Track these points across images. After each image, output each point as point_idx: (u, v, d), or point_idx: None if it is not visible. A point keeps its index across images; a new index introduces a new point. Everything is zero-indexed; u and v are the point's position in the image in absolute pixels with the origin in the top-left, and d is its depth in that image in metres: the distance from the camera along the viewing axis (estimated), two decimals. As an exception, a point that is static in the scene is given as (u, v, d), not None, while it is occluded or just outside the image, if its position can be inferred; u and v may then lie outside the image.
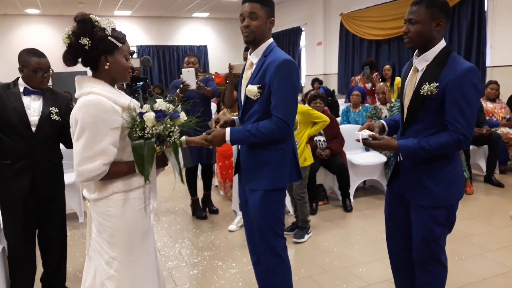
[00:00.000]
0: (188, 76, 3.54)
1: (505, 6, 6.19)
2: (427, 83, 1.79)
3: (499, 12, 6.30)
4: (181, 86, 3.57)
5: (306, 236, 3.48)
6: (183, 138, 1.91)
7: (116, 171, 1.63)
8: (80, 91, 1.61)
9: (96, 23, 1.62)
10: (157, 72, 13.98)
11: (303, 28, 11.46)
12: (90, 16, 1.62)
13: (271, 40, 2.04)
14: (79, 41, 1.58)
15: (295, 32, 11.79)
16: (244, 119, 2.06)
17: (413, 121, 1.88)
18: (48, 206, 2.46)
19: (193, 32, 14.38)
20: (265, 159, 2.01)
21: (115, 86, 1.75)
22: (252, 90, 1.95)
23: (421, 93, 1.80)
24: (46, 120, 2.34)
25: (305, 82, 11.52)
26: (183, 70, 3.61)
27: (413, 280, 2.09)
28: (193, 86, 3.55)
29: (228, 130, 1.95)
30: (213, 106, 5.85)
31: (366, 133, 1.90)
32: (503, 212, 3.91)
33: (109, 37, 1.62)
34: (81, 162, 1.56)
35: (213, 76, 4.85)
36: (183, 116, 1.70)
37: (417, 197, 1.91)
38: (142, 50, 13.78)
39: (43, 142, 2.35)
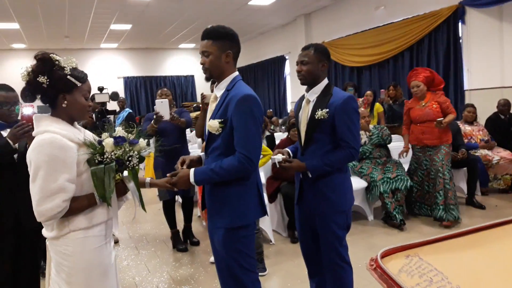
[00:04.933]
0: (162, 107, 3.51)
1: (478, 32, 6.38)
2: (319, 109, 2.26)
3: (473, 37, 6.48)
4: (155, 117, 3.54)
5: (265, 271, 3.35)
6: (148, 179, 1.93)
7: (77, 206, 1.62)
8: (37, 129, 1.63)
9: (57, 62, 1.65)
10: (144, 102, 14.06)
11: (287, 57, 11.67)
12: (51, 55, 1.65)
13: (235, 73, 2.03)
14: (37, 79, 1.60)
15: (280, 61, 12.00)
16: (207, 153, 2.05)
17: (310, 142, 2.33)
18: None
19: (180, 62, 14.59)
20: (227, 196, 1.97)
21: (75, 123, 1.76)
22: (213, 125, 1.93)
23: (316, 117, 2.27)
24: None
25: (290, 109, 11.65)
26: (156, 101, 3.58)
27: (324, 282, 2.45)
28: (166, 117, 3.51)
29: (192, 171, 1.93)
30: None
31: (280, 157, 2.30)
32: (484, 235, 3.91)
33: (68, 76, 1.64)
34: (40, 202, 1.55)
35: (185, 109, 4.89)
36: (142, 142, 1.74)
37: (320, 206, 2.31)
38: (129, 81, 13.92)
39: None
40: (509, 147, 5.32)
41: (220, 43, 1.97)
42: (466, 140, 5.28)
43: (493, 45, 6.18)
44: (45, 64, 1.62)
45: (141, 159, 1.74)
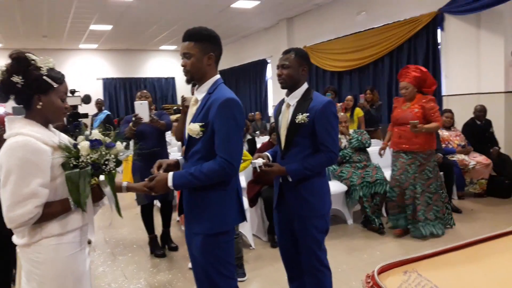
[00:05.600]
0: (141, 109, 3.43)
1: (456, 38, 6.50)
2: (300, 113, 2.27)
3: (451, 43, 6.60)
4: (133, 119, 3.45)
5: (244, 276, 3.31)
6: (125, 183, 1.88)
7: (50, 212, 1.56)
8: (9, 132, 1.56)
9: (32, 61, 1.59)
10: (123, 104, 13.86)
11: (269, 60, 11.68)
12: (26, 54, 1.59)
13: (217, 76, 2.00)
14: (11, 78, 1.54)
15: (261, 64, 11.99)
16: (187, 157, 2.01)
17: (291, 146, 2.33)
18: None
19: (160, 64, 14.45)
20: (206, 201, 1.92)
21: (50, 125, 1.70)
22: (193, 129, 1.89)
23: (297, 121, 2.27)
24: None
25: (272, 113, 11.66)
26: (135, 103, 3.49)
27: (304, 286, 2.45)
28: (146, 119, 3.43)
29: (170, 175, 1.87)
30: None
31: (260, 161, 2.30)
32: (461, 238, 3.95)
33: (44, 77, 1.58)
34: (10, 208, 1.49)
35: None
36: (119, 146, 1.69)
37: (299, 209, 2.32)
38: (108, 82, 13.71)
39: None
40: (485, 152, 5.43)
41: (202, 45, 1.93)
42: (443, 145, 5.37)
43: (471, 52, 6.30)
44: (20, 63, 1.57)
45: (118, 163, 1.69)
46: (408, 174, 3.97)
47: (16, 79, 1.54)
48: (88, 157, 1.58)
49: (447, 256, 1.02)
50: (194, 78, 1.98)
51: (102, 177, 1.70)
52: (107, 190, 1.69)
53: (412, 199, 4.00)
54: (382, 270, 0.94)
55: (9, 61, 1.58)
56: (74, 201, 1.56)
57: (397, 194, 4.06)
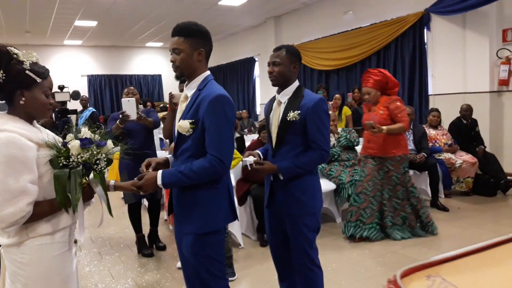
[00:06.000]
0: (128, 106, 3.35)
1: (442, 38, 6.57)
2: (291, 111, 2.24)
3: (437, 43, 6.67)
4: (121, 116, 3.37)
5: (234, 276, 3.27)
6: (112, 182, 1.83)
7: (40, 212, 1.50)
8: None
9: (15, 55, 1.53)
10: (109, 101, 13.67)
11: (256, 58, 11.64)
12: (8, 48, 1.53)
13: (207, 73, 1.96)
14: None
15: (249, 62, 11.96)
16: (177, 154, 1.96)
17: (282, 143, 2.30)
18: None
19: (147, 61, 14.29)
20: (197, 200, 1.88)
21: (34, 122, 1.64)
22: (183, 126, 1.85)
23: (288, 119, 2.24)
24: None
25: (260, 111, 11.63)
26: (123, 100, 3.41)
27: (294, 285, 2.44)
28: (133, 116, 3.36)
29: (160, 173, 1.82)
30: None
31: (251, 159, 2.27)
32: (448, 237, 4.01)
33: (27, 71, 1.52)
34: (0, 207, 1.42)
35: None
36: (109, 144, 1.64)
37: (291, 208, 2.29)
38: (94, 79, 13.51)
39: None
40: (471, 151, 5.50)
41: (193, 41, 1.89)
42: (430, 144, 5.42)
43: (457, 52, 6.37)
44: (1, 57, 1.50)
45: (109, 162, 1.64)
46: (376, 180, 3.89)
47: None
48: (79, 156, 1.53)
49: (470, 258, 0.98)
50: (184, 74, 1.94)
51: (91, 176, 1.65)
52: (98, 189, 1.65)
53: (379, 205, 3.91)
54: (404, 275, 0.89)
55: None
56: (59, 202, 1.50)
57: (361, 202, 3.92)
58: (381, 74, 3.85)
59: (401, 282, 0.87)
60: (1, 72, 1.49)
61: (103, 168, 1.61)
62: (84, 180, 1.60)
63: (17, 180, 1.43)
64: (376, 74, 3.85)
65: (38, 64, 1.59)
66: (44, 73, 1.58)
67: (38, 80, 1.55)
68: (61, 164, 1.52)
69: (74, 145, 1.53)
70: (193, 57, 1.90)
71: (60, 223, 1.57)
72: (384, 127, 3.64)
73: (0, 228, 1.45)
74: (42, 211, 1.51)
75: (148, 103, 7.45)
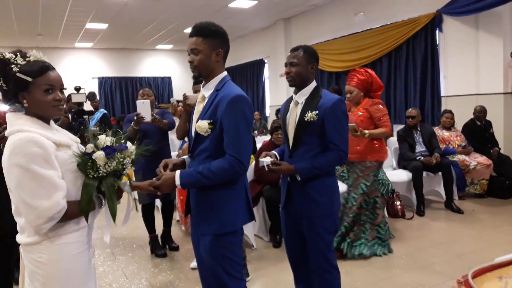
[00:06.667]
0: (143, 108, 3.35)
1: (455, 39, 6.51)
2: (309, 111, 2.23)
3: (449, 45, 6.61)
4: (135, 118, 3.37)
5: (248, 277, 3.23)
6: (128, 184, 1.83)
7: (71, 211, 1.50)
8: (10, 129, 1.49)
9: (9, 60, 1.51)
10: (119, 103, 13.74)
11: (266, 60, 11.64)
12: (1, 54, 1.52)
13: (224, 73, 1.96)
14: None
15: (259, 64, 11.95)
16: (194, 155, 1.96)
17: (299, 144, 2.29)
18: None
19: (157, 63, 14.34)
20: (215, 201, 1.88)
21: (52, 122, 1.63)
22: (202, 126, 1.85)
23: (306, 119, 2.23)
24: None
25: (269, 113, 11.61)
26: (137, 102, 3.41)
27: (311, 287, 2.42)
28: (148, 118, 3.36)
29: (178, 173, 1.82)
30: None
31: (268, 159, 2.24)
32: (463, 239, 3.96)
33: (18, 74, 1.49)
34: (35, 203, 1.41)
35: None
36: (130, 146, 1.65)
37: (308, 209, 2.27)
38: (104, 81, 13.59)
39: None
40: (485, 153, 5.43)
41: (211, 41, 1.89)
42: (444, 146, 5.37)
43: (469, 53, 6.31)
44: None
45: (133, 162, 1.66)
46: (349, 183, 3.66)
47: None
48: (106, 166, 1.54)
49: None
50: (202, 74, 1.94)
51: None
52: (126, 188, 1.67)
53: (354, 212, 3.57)
54: (475, 275, 0.87)
55: None
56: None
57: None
58: (367, 74, 3.65)
59: (472, 282, 0.84)
60: (1, 80, 1.51)
61: (129, 169, 1.63)
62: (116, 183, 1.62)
63: (45, 175, 1.43)
64: (361, 74, 3.65)
65: (31, 62, 1.54)
66: (36, 71, 1.52)
67: (29, 79, 1.50)
68: (90, 176, 1.53)
69: (99, 156, 1.53)
70: (212, 57, 1.90)
71: (79, 223, 1.57)
72: (367, 131, 3.38)
73: (38, 225, 1.43)
74: (74, 210, 1.51)
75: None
